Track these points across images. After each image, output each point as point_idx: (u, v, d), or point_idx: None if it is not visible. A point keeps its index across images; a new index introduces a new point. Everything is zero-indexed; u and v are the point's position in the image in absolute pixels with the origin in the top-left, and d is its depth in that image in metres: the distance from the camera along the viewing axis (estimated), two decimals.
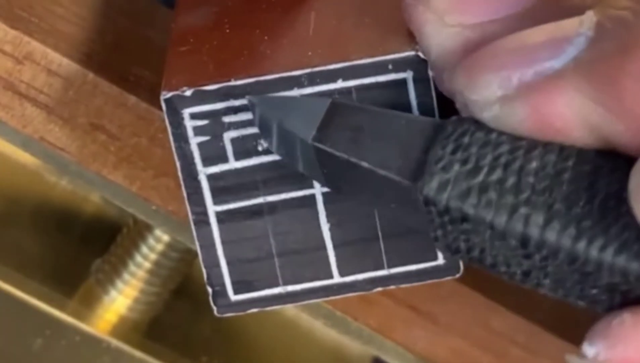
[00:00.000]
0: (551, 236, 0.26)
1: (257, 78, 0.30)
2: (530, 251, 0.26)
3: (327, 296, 0.32)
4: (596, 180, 0.26)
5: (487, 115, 0.27)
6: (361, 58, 0.30)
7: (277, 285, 0.32)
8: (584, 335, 0.26)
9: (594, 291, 0.26)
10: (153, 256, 0.47)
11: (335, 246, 0.32)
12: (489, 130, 0.27)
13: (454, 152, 0.27)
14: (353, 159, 0.28)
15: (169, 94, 0.30)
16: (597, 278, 0.26)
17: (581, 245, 0.25)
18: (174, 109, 0.30)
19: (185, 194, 0.31)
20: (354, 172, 0.28)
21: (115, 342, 0.46)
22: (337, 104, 0.29)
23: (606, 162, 0.26)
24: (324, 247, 0.32)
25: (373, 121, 0.29)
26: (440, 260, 0.32)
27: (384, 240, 0.32)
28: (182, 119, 0.30)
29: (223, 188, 0.31)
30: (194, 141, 0.31)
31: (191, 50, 0.32)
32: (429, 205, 0.27)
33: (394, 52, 0.30)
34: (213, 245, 0.32)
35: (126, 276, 0.48)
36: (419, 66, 0.30)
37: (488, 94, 0.27)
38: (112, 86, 0.36)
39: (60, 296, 0.47)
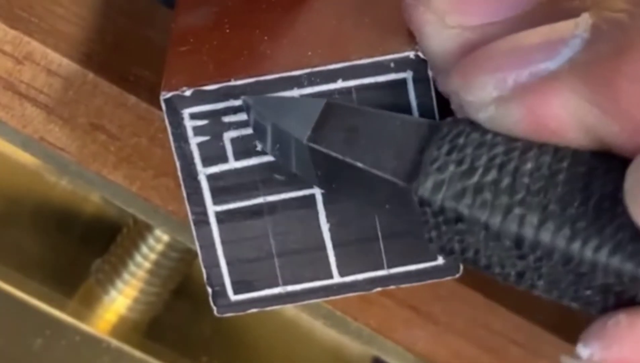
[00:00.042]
0: (545, 236, 0.26)
1: (257, 78, 0.30)
2: (524, 252, 0.26)
3: (327, 296, 0.32)
4: (591, 181, 0.26)
5: (482, 116, 0.27)
6: (361, 58, 0.30)
7: (277, 285, 0.32)
8: None
9: (588, 292, 0.26)
10: (153, 256, 0.47)
11: (335, 246, 0.32)
12: (484, 131, 0.27)
13: (449, 153, 0.27)
14: (348, 160, 0.28)
15: (169, 94, 0.30)
16: (591, 279, 0.26)
17: (575, 246, 0.25)
18: (174, 109, 0.30)
19: (185, 194, 0.31)
20: (349, 173, 0.28)
21: (115, 342, 0.46)
22: (332, 105, 0.29)
23: (601, 163, 0.26)
24: (323, 247, 0.32)
25: (368, 121, 0.29)
26: (440, 260, 0.32)
27: (383, 240, 0.32)
28: (182, 119, 0.30)
29: (223, 188, 0.31)
30: (194, 141, 0.31)
31: (191, 50, 0.32)
32: (424, 206, 0.27)
33: (394, 52, 0.30)
34: (213, 245, 0.32)
35: (126, 276, 0.48)
36: (419, 66, 0.30)
37: (483, 95, 0.27)
38: (112, 86, 0.36)
39: (60, 296, 0.47)
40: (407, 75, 0.30)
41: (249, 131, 0.30)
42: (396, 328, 0.41)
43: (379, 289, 0.32)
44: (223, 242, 0.32)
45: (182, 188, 0.31)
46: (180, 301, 0.50)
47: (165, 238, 0.47)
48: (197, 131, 0.30)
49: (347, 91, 0.30)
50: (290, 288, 0.32)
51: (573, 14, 0.26)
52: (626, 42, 0.25)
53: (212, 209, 0.31)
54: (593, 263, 0.25)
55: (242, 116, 0.30)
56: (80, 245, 0.50)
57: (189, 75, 0.31)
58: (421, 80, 0.30)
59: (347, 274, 0.32)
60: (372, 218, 0.31)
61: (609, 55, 0.25)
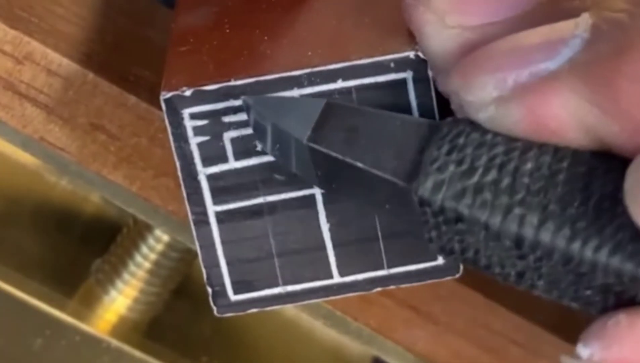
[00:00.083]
0: (545, 236, 0.26)
1: (257, 78, 0.30)
2: (524, 252, 0.26)
3: (327, 296, 0.32)
4: (591, 181, 0.26)
5: (482, 116, 0.27)
6: (361, 58, 0.30)
7: (277, 285, 0.32)
8: None
9: (588, 292, 0.26)
10: (153, 256, 0.47)
11: (335, 246, 0.32)
12: (484, 131, 0.27)
13: (449, 153, 0.27)
14: (348, 160, 0.28)
15: (169, 94, 0.30)
16: (591, 279, 0.26)
17: (575, 246, 0.25)
18: (174, 109, 0.30)
19: (185, 194, 0.31)
20: (349, 173, 0.28)
21: (115, 342, 0.46)
22: (332, 105, 0.29)
23: (601, 163, 0.26)
24: (323, 247, 0.32)
25: (368, 121, 0.29)
26: (440, 260, 0.32)
27: (383, 240, 0.32)
28: (182, 119, 0.30)
29: (223, 188, 0.31)
30: (194, 141, 0.31)
31: (191, 50, 0.32)
32: (424, 206, 0.27)
33: (394, 52, 0.30)
34: (213, 245, 0.32)
35: (126, 276, 0.48)
36: (419, 66, 0.30)
37: (483, 95, 0.27)
38: (112, 86, 0.36)
39: (60, 296, 0.47)
40: (407, 75, 0.30)
41: (249, 131, 0.30)
42: (396, 328, 0.41)
43: (379, 289, 0.32)
44: (223, 242, 0.32)
45: (182, 188, 0.31)
46: (180, 301, 0.50)
47: (165, 238, 0.47)
48: (197, 131, 0.30)
49: (347, 91, 0.30)
50: (290, 288, 0.32)
51: (573, 14, 0.26)
52: (626, 42, 0.25)
53: (212, 209, 0.31)
54: (593, 263, 0.25)
55: (242, 116, 0.30)
56: (80, 245, 0.50)
57: (189, 75, 0.31)
58: (421, 80, 0.30)
59: (347, 274, 0.32)
60: (372, 218, 0.31)
61: (609, 55, 0.25)
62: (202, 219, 0.31)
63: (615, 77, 0.25)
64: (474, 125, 0.27)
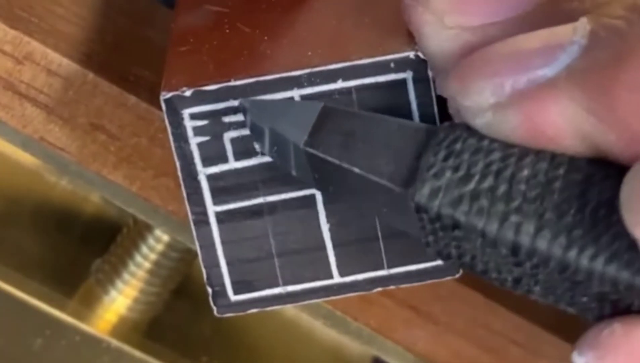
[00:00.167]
0: (542, 244, 0.26)
1: (257, 78, 0.30)
2: (521, 259, 0.26)
3: (327, 296, 0.32)
4: (587, 189, 0.26)
5: (479, 122, 0.27)
6: (361, 58, 0.30)
7: (277, 285, 0.32)
8: None
9: (584, 299, 0.26)
10: (153, 256, 0.47)
11: (335, 246, 0.32)
12: (481, 137, 0.27)
13: (445, 159, 0.27)
14: (345, 165, 0.28)
15: (169, 94, 0.30)
16: (587, 287, 0.25)
17: (572, 254, 0.25)
18: (174, 109, 0.30)
19: (185, 194, 0.31)
20: (346, 177, 0.28)
21: (115, 342, 0.46)
22: (329, 109, 0.29)
23: (598, 171, 0.26)
24: (323, 247, 0.32)
25: (365, 126, 0.29)
26: (440, 260, 0.32)
27: (383, 240, 0.32)
28: (182, 119, 0.30)
29: (223, 188, 0.31)
30: (194, 141, 0.31)
31: (191, 50, 0.32)
32: (421, 212, 0.27)
33: (394, 53, 0.30)
34: (213, 245, 0.32)
35: (126, 276, 0.48)
36: (419, 66, 0.30)
37: (481, 100, 0.27)
38: (112, 86, 0.36)
39: (60, 296, 0.47)
40: (407, 75, 0.30)
41: (248, 131, 0.30)
42: (396, 328, 0.41)
43: (379, 289, 0.32)
44: (223, 242, 0.32)
45: (182, 188, 0.31)
46: (180, 301, 0.50)
47: (165, 238, 0.47)
48: (197, 131, 0.30)
49: (347, 91, 0.30)
50: (291, 288, 0.32)
51: (573, 15, 0.26)
52: (624, 50, 0.25)
53: (212, 209, 0.31)
54: (589, 271, 0.25)
55: (242, 116, 0.30)
56: (80, 245, 0.50)
57: (189, 75, 0.31)
58: (421, 80, 0.30)
59: (347, 274, 0.32)
60: (372, 218, 0.31)
61: (606, 63, 0.25)
62: (202, 219, 0.31)
63: (612, 85, 0.25)
64: (470, 130, 0.27)
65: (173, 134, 0.31)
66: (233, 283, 0.32)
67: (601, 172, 0.26)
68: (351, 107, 0.30)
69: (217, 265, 0.32)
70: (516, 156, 0.27)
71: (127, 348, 0.46)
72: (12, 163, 0.50)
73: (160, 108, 0.30)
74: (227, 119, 0.30)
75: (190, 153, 0.31)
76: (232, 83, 0.30)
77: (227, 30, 0.33)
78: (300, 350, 0.52)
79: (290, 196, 0.31)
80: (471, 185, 0.26)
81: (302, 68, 0.30)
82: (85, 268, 0.49)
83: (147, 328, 0.49)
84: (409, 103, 0.30)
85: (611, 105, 0.25)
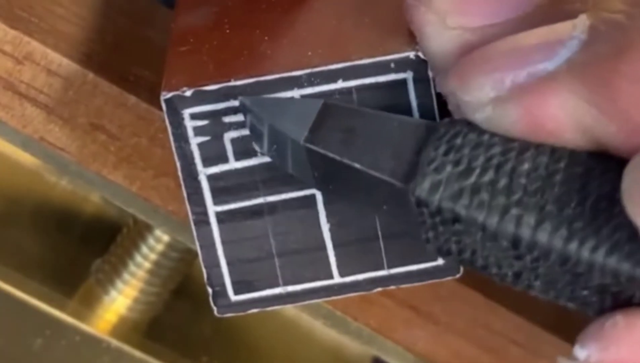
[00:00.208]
0: (543, 237, 0.26)
1: (257, 78, 0.30)
2: (521, 252, 0.26)
3: (327, 296, 0.32)
4: (588, 182, 0.26)
5: (479, 116, 0.27)
6: (361, 58, 0.30)
7: (277, 285, 0.32)
8: None
9: (585, 292, 0.26)
10: (153, 256, 0.47)
11: (335, 247, 0.32)
12: (481, 131, 0.27)
13: (446, 153, 0.27)
14: (345, 161, 0.28)
15: (169, 94, 0.30)
16: (588, 279, 0.26)
17: (573, 246, 0.25)
18: (174, 109, 0.30)
19: (185, 194, 0.31)
20: (346, 173, 0.28)
21: (115, 342, 0.46)
22: (329, 106, 0.29)
23: (598, 164, 0.26)
24: (324, 247, 0.32)
25: (365, 122, 0.29)
26: (440, 260, 0.32)
27: (383, 240, 0.32)
28: (182, 119, 0.30)
29: (223, 188, 0.31)
30: (194, 141, 0.31)
31: (191, 50, 0.32)
32: (421, 206, 0.27)
33: (394, 53, 0.30)
34: (213, 245, 0.32)
35: (126, 276, 0.48)
36: (419, 66, 0.30)
37: (481, 95, 0.27)
38: (112, 86, 0.36)
39: (60, 296, 0.47)
40: (408, 75, 0.30)
41: (248, 130, 0.30)
42: (396, 328, 0.41)
43: (379, 289, 0.32)
44: (223, 242, 0.32)
45: (183, 188, 0.31)
46: (180, 301, 0.50)
47: (165, 238, 0.47)
48: (198, 131, 0.30)
49: (347, 91, 0.30)
50: (291, 288, 0.32)
51: (573, 15, 0.26)
52: (624, 43, 0.25)
53: (212, 209, 0.31)
54: (590, 263, 0.25)
55: (242, 116, 0.30)
56: (80, 245, 0.50)
57: (189, 75, 0.31)
58: (421, 80, 0.30)
59: (347, 274, 0.32)
60: (372, 218, 0.31)
61: (607, 55, 0.25)
62: (202, 220, 0.31)
63: (613, 77, 0.25)
64: (471, 126, 0.27)
65: (173, 134, 0.31)
66: (233, 283, 0.32)
67: (601, 165, 0.26)
68: None
69: (218, 265, 0.32)
70: (516, 150, 0.27)
71: (127, 348, 0.46)
72: (12, 163, 0.50)
73: (160, 108, 0.30)
74: (227, 119, 0.30)
75: (191, 153, 0.31)
76: (232, 83, 0.30)
77: (227, 30, 0.33)
78: (300, 350, 0.52)
79: (290, 196, 0.31)
80: (472, 179, 0.26)
81: (302, 68, 0.30)
82: (85, 268, 0.49)
83: (147, 328, 0.49)
84: (409, 103, 0.30)
85: (612, 97, 0.25)
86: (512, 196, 0.26)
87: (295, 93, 0.30)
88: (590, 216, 0.25)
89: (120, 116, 0.37)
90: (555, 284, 0.26)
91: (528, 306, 0.40)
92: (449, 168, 0.27)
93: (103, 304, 0.48)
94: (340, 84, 0.30)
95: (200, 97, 0.30)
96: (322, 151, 0.29)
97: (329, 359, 0.52)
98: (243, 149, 0.31)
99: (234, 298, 0.32)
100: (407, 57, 0.30)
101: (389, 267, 0.32)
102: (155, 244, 0.47)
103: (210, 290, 0.32)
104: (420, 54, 0.29)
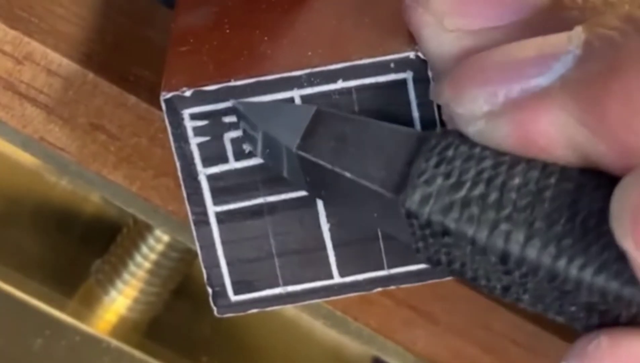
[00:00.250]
0: (531, 253, 0.25)
1: (257, 78, 0.30)
2: (510, 268, 0.26)
3: (327, 296, 0.32)
4: (578, 198, 0.26)
5: (472, 130, 0.27)
6: (361, 58, 0.30)
7: (277, 285, 0.32)
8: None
9: (573, 308, 0.26)
10: (153, 256, 0.47)
11: (335, 247, 0.32)
12: (472, 144, 0.27)
13: (437, 165, 0.27)
14: (337, 170, 0.28)
15: (169, 95, 0.30)
16: (576, 297, 0.25)
17: (561, 264, 0.25)
18: (174, 109, 0.30)
19: (185, 195, 0.31)
20: (337, 181, 0.28)
21: (115, 342, 0.46)
22: (322, 113, 0.29)
23: (589, 180, 0.26)
24: (324, 247, 0.32)
25: (357, 130, 0.29)
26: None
27: (384, 240, 0.32)
28: (182, 119, 0.30)
29: (223, 188, 0.31)
30: (194, 141, 0.31)
31: (191, 50, 0.32)
32: (411, 218, 0.27)
33: (394, 53, 0.30)
34: (213, 245, 0.32)
35: (126, 276, 0.48)
36: (419, 66, 0.30)
37: (474, 108, 0.27)
38: (112, 86, 0.36)
39: (60, 296, 0.47)
40: (407, 75, 0.30)
41: (241, 132, 0.30)
42: (396, 328, 0.41)
43: (379, 289, 0.32)
44: (223, 242, 0.32)
45: (182, 188, 0.31)
46: (180, 301, 0.50)
47: (165, 238, 0.47)
48: (197, 131, 0.30)
49: (347, 92, 0.30)
50: (291, 288, 0.32)
51: (572, 23, 0.26)
52: (617, 62, 0.25)
53: (212, 209, 0.31)
54: (578, 281, 0.25)
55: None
56: (80, 245, 0.50)
57: (189, 75, 0.31)
58: (421, 80, 0.30)
59: (347, 274, 0.32)
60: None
61: (599, 74, 0.25)
62: (202, 220, 0.31)
63: (603, 97, 0.25)
64: (462, 137, 0.27)
65: (173, 134, 0.31)
66: (233, 283, 0.32)
67: (592, 182, 0.26)
68: (351, 107, 0.30)
69: (217, 265, 0.32)
70: (507, 164, 0.26)
71: (127, 348, 0.46)
72: (12, 163, 0.50)
73: (160, 108, 0.30)
74: (227, 119, 0.30)
75: (191, 153, 0.31)
76: (232, 83, 0.30)
77: (227, 30, 0.33)
78: (300, 350, 0.52)
79: (290, 196, 0.31)
80: (462, 192, 0.26)
81: (302, 68, 0.30)
82: (85, 268, 0.49)
83: (147, 328, 0.49)
84: (409, 103, 0.30)
85: (602, 116, 0.25)
86: (502, 211, 0.26)
87: (295, 93, 0.30)
88: (580, 234, 0.25)
89: (120, 116, 0.37)
90: (543, 299, 0.26)
91: None
92: (439, 181, 0.27)
93: (103, 304, 0.48)
94: (340, 84, 0.30)
95: (200, 98, 0.30)
96: (313, 158, 0.29)
97: (329, 359, 0.52)
98: (243, 150, 0.31)
99: (233, 298, 0.32)
100: (407, 57, 0.30)
101: (389, 267, 0.32)
102: (155, 244, 0.47)
103: (210, 290, 0.32)
104: (420, 54, 0.29)
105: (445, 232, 0.26)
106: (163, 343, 0.48)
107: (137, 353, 0.46)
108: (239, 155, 0.31)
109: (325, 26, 0.32)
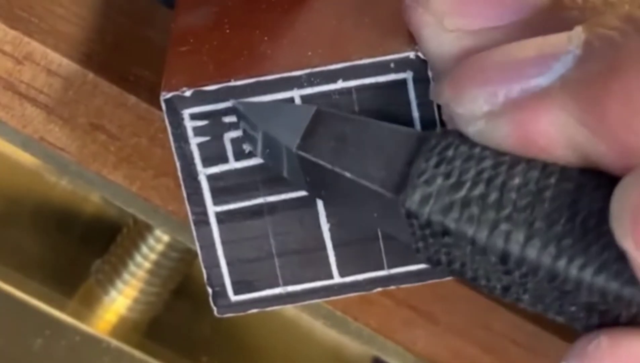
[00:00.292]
0: (531, 253, 0.25)
1: (257, 78, 0.30)
2: (510, 268, 0.26)
3: (327, 296, 0.32)
4: (578, 198, 0.26)
5: (472, 130, 0.27)
6: (361, 58, 0.30)
7: (277, 285, 0.32)
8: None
9: (573, 308, 0.26)
10: (153, 256, 0.48)
11: (335, 247, 0.32)
12: (472, 144, 0.27)
13: (437, 165, 0.27)
14: (337, 170, 0.28)
15: (169, 95, 0.30)
16: (576, 297, 0.25)
17: (561, 264, 0.25)
18: (174, 109, 0.30)
19: (185, 195, 0.31)
20: (337, 181, 0.28)
21: (115, 342, 0.46)
22: (322, 113, 0.29)
23: (589, 180, 0.26)
24: (324, 247, 0.32)
25: (357, 130, 0.29)
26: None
27: (384, 240, 0.32)
28: (182, 119, 0.30)
29: (223, 188, 0.31)
30: (194, 141, 0.31)
31: (191, 50, 0.32)
32: (411, 218, 0.27)
33: (394, 53, 0.30)
34: (213, 245, 0.32)
35: (126, 276, 0.48)
36: (419, 66, 0.30)
37: (474, 108, 0.27)
38: (112, 86, 0.36)
39: (60, 296, 0.47)
40: (407, 75, 0.30)
41: (242, 132, 0.30)
42: (396, 328, 0.41)
43: (379, 289, 0.32)
44: (223, 242, 0.32)
45: (182, 188, 0.31)
46: (180, 301, 0.50)
47: (165, 238, 0.47)
48: (197, 131, 0.30)
49: (347, 92, 0.30)
50: (291, 288, 0.32)
51: (572, 23, 0.26)
52: (616, 62, 0.25)
53: (212, 209, 0.31)
54: (578, 281, 0.25)
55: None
56: (80, 245, 0.50)
57: (189, 75, 0.31)
58: (421, 80, 0.30)
59: (347, 274, 0.32)
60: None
61: (598, 74, 0.25)
62: (202, 220, 0.31)
63: (603, 97, 0.25)
64: (462, 137, 0.27)
65: (173, 134, 0.31)
66: (233, 283, 0.32)
67: (592, 182, 0.26)
68: (351, 107, 0.30)
69: (217, 265, 0.32)
70: (507, 164, 0.26)
71: (127, 348, 0.46)
72: (12, 163, 0.50)
73: (160, 108, 0.30)
74: (227, 119, 0.30)
75: (191, 153, 0.31)
76: (232, 83, 0.30)
77: (227, 30, 0.33)
78: (300, 350, 0.52)
79: (290, 196, 0.31)
80: (462, 192, 0.26)
81: (302, 68, 0.30)
82: (85, 268, 0.49)
83: (147, 328, 0.49)
84: (409, 103, 0.30)
85: (602, 117, 0.25)
86: (502, 211, 0.26)
87: (295, 93, 0.30)
88: (580, 234, 0.25)
89: (120, 116, 0.37)
90: (543, 299, 0.26)
91: None
92: (439, 181, 0.27)
93: (103, 304, 0.48)
94: (340, 84, 0.30)
95: (200, 98, 0.30)
96: (313, 158, 0.29)
97: (329, 359, 0.52)
98: (243, 150, 0.31)
99: (233, 298, 0.32)
100: (407, 57, 0.30)
101: (389, 267, 0.32)
102: (155, 244, 0.47)
103: (210, 290, 0.32)
104: (420, 54, 0.29)
105: (445, 232, 0.26)
106: (163, 343, 0.48)
107: (137, 353, 0.46)
108: (239, 155, 0.31)
109: (325, 26, 0.32)
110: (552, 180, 0.26)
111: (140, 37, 0.40)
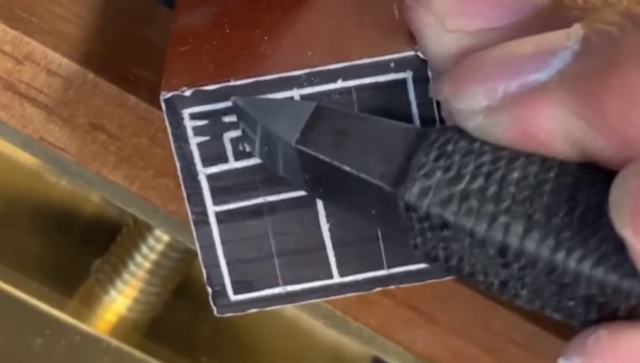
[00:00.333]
0: (530, 245, 0.26)
1: (257, 78, 0.30)
2: (508, 260, 0.26)
3: (327, 296, 0.32)
4: (577, 192, 0.26)
5: (471, 125, 0.27)
6: (361, 58, 0.30)
7: (277, 285, 0.32)
8: None
9: (571, 303, 0.26)
10: (153, 256, 0.47)
11: (335, 246, 0.32)
12: (472, 139, 0.27)
13: (436, 159, 0.27)
14: (336, 163, 0.28)
15: (169, 94, 0.30)
16: (574, 290, 0.25)
17: (560, 256, 0.25)
18: (174, 109, 0.30)
19: (185, 195, 0.31)
20: (336, 176, 0.28)
21: (115, 342, 0.46)
22: (322, 108, 0.29)
23: (587, 174, 0.26)
24: (323, 247, 0.32)
25: (357, 125, 0.29)
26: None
27: (383, 240, 0.32)
28: (182, 119, 0.30)
29: (223, 188, 0.31)
30: (194, 141, 0.31)
31: (191, 50, 0.32)
32: (410, 211, 0.27)
33: (394, 52, 0.30)
34: (213, 245, 0.32)
35: (126, 276, 0.48)
36: (419, 66, 0.30)
37: (473, 104, 0.27)
38: (112, 86, 0.37)
39: (60, 296, 0.47)
40: (407, 75, 0.30)
41: (241, 130, 0.30)
42: (396, 328, 0.41)
43: (379, 289, 0.32)
44: (223, 242, 0.32)
45: (182, 188, 0.31)
46: (180, 301, 0.50)
47: (165, 238, 0.47)
48: (197, 131, 0.30)
49: (347, 91, 0.30)
50: (290, 288, 0.32)
51: (572, 23, 0.26)
52: (615, 57, 0.25)
53: (212, 209, 0.31)
54: (576, 273, 0.25)
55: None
56: (80, 245, 0.50)
57: (189, 75, 0.31)
58: (421, 80, 0.30)
59: (347, 274, 0.32)
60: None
61: (597, 69, 0.25)
62: (202, 219, 0.31)
63: (602, 91, 0.25)
64: (462, 133, 0.27)
65: (173, 134, 0.31)
66: (233, 283, 0.32)
67: (591, 176, 0.26)
68: (351, 107, 0.30)
69: (217, 265, 0.32)
70: (507, 159, 0.27)
71: (127, 348, 0.46)
72: (12, 163, 0.50)
73: (160, 108, 0.30)
74: (227, 119, 0.30)
75: (190, 153, 0.31)
76: (232, 83, 0.30)
77: (227, 30, 0.33)
78: (300, 350, 0.52)
79: (290, 196, 0.31)
80: (461, 185, 0.26)
81: (302, 68, 0.30)
82: (85, 268, 0.49)
83: (147, 328, 0.49)
84: (409, 103, 0.30)
85: (600, 111, 0.25)
86: (501, 204, 0.26)
87: (295, 93, 0.30)
88: (578, 227, 0.25)
89: (120, 116, 0.37)
90: (541, 294, 0.26)
91: None
92: (438, 174, 0.27)
93: (103, 304, 0.48)
94: (339, 84, 0.30)
95: (200, 97, 0.30)
96: (312, 153, 0.29)
97: (329, 359, 0.52)
98: (243, 149, 0.31)
99: (233, 298, 0.32)
100: (407, 57, 0.30)
101: (389, 267, 0.32)
102: (155, 244, 0.47)
103: (210, 290, 0.32)
104: (420, 54, 0.29)
105: (444, 225, 0.26)
106: (163, 343, 0.48)
107: (137, 353, 0.46)
108: (239, 155, 0.31)
109: (325, 26, 0.32)
110: (551, 174, 0.26)
111: (140, 37, 0.40)
